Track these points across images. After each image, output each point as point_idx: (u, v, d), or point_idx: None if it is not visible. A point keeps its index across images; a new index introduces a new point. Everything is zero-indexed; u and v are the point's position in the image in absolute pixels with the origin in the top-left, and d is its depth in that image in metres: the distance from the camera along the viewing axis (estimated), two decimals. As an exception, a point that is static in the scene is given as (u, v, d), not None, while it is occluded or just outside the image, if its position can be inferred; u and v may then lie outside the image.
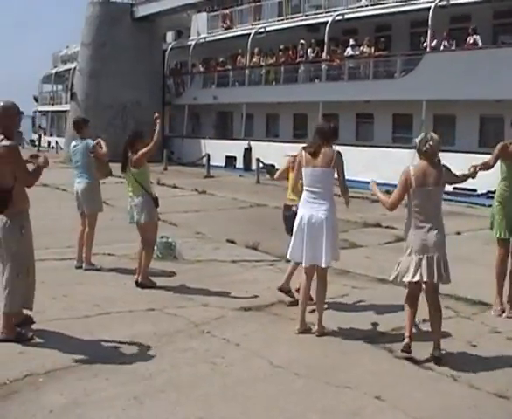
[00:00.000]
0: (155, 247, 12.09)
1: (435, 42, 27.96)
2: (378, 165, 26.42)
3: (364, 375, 7.02)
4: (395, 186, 7.87)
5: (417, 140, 7.67)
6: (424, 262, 7.34)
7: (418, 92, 26.88)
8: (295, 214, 8.58)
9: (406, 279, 7.48)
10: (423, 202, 7.46)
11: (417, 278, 7.38)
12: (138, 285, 10.46)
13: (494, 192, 9.68)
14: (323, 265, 8.26)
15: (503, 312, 9.22)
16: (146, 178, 10.66)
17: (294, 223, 8.51)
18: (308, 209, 8.30)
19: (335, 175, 8.38)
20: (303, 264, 8.44)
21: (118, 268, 11.56)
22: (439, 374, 7.07)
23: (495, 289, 9.32)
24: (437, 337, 7.56)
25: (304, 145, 8.60)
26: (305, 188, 8.42)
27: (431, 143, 7.49)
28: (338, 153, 8.39)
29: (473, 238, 14.74)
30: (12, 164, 7.52)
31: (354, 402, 6.35)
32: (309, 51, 34.24)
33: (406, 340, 7.51)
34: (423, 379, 6.99)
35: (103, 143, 11.82)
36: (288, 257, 8.74)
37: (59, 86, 67.17)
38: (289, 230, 8.91)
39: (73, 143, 12.20)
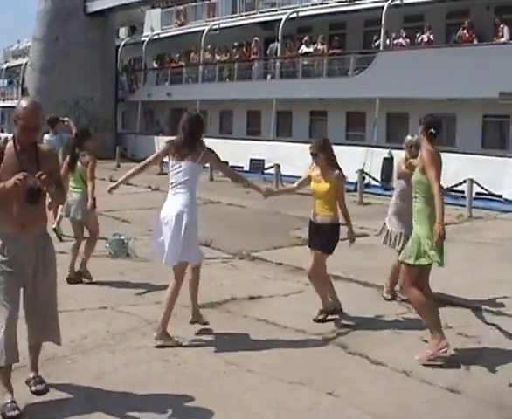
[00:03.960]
0: (108, 244, 12.12)
1: (388, 41, 28.20)
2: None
3: (318, 372, 7.04)
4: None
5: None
6: None
7: (372, 90, 27.05)
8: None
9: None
10: None
11: None
12: (70, 281, 10.42)
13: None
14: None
15: None
16: (89, 175, 10.63)
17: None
18: (169, 207, 7.96)
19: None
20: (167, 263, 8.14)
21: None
22: (391, 370, 7.12)
23: None
24: None
25: (172, 138, 8.26)
26: (170, 184, 8.10)
27: None
28: (208, 149, 8.11)
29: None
30: None
31: (308, 399, 6.37)
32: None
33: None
34: (376, 375, 7.03)
35: (71, 123, 14.32)
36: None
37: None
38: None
39: (47, 137, 14.58)
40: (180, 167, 7.94)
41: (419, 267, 7.43)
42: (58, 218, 13.47)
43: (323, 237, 8.72)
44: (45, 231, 6.28)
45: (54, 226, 13.16)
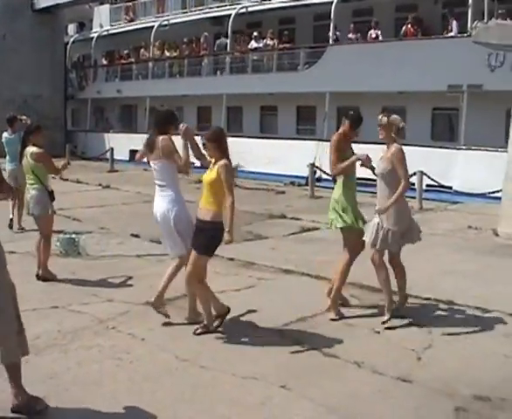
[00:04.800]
0: (58, 243, 12.03)
1: (338, 35, 28.33)
2: (283, 157, 26.68)
3: (271, 366, 7.06)
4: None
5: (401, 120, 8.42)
6: None
7: (322, 84, 27.15)
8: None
9: None
10: None
11: None
12: (39, 278, 10.57)
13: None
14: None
15: None
16: (44, 172, 10.82)
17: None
18: (156, 205, 8.31)
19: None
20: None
21: (22, 266, 11.24)
22: (343, 362, 7.18)
23: None
24: None
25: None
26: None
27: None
28: (163, 139, 8.15)
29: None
30: None
31: (261, 393, 6.39)
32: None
33: None
34: (328, 367, 7.08)
35: (29, 122, 14.03)
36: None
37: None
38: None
39: (6, 135, 15.69)
40: (154, 166, 8.30)
41: None
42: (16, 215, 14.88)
43: (201, 236, 7.85)
44: None
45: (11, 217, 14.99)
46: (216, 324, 8.19)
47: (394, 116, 8.48)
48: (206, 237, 7.83)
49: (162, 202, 8.23)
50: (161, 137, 8.19)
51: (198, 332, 8.04)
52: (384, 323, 8.29)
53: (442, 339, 7.96)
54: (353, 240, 8.85)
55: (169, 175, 8.25)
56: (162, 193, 8.27)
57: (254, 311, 8.89)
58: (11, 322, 5.95)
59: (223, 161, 7.81)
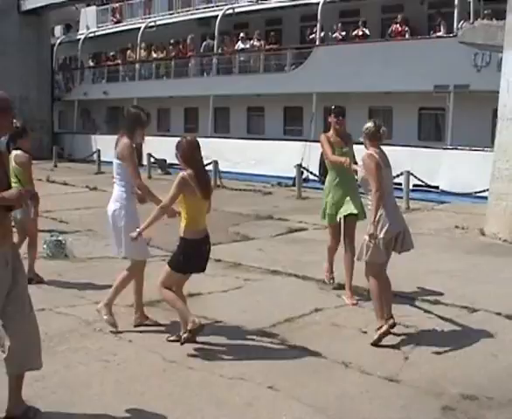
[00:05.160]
0: (45, 246, 11.99)
1: (324, 35, 28.38)
2: (270, 158, 26.69)
3: (258, 366, 7.06)
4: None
5: (370, 126, 8.07)
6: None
7: (309, 84, 27.18)
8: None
9: None
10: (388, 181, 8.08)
11: None
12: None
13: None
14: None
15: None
16: (27, 177, 10.64)
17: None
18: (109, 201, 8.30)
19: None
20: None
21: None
22: (331, 362, 7.18)
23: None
24: None
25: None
26: None
27: (383, 129, 8.08)
28: (123, 144, 8.10)
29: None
30: None
31: (249, 393, 6.39)
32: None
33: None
34: (316, 367, 7.08)
35: (19, 124, 13.49)
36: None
37: None
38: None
39: None
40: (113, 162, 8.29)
41: None
42: None
43: None
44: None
45: None
46: (184, 336, 7.49)
47: (367, 124, 8.21)
48: (176, 251, 7.70)
49: (111, 198, 8.24)
50: (123, 139, 8.13)
51: (171, 339, 7.81)
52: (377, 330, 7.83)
53: (429, 338, 7.98)
54: (330, 232, 9.95)
55: (121, 173, 8.17)
56: (114, 188, 8.26)
57: (242, 312, 8.88)
58: (36, 327, 5.94)
59: (180, 174, 7.62)
